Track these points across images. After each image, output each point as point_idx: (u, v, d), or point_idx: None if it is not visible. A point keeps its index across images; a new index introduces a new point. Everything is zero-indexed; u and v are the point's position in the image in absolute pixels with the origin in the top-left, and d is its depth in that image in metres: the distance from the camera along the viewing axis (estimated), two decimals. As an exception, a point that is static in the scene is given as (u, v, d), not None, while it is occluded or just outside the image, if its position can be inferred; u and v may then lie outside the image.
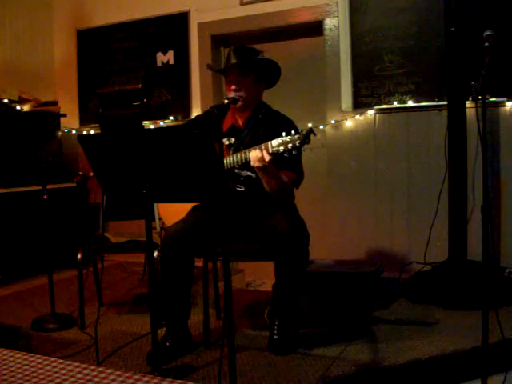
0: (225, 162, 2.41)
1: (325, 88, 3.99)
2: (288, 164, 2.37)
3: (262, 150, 2.22)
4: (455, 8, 3.17)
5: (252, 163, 2.26)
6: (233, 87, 2.48)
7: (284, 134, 2.16)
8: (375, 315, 2.92)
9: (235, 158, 2.39)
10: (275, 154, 2.19)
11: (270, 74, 2.59)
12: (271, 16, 4.08)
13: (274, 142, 2.19)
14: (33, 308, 3.18)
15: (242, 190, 2.56)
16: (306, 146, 2.15)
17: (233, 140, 2.59)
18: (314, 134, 2.15)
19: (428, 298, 3.07)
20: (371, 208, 3.87)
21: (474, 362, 2.31)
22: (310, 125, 3.94)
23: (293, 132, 2.15)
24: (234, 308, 1.88)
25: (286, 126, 2.43)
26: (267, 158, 2.20)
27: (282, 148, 2.16)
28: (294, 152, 2.15)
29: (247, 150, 2.32)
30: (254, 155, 2.23)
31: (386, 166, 3.81)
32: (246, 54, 2.52)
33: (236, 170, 2.53)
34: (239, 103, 2.48)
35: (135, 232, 3.17)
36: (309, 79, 4.20)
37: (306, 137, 2.12)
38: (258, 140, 2.37)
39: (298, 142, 2.13)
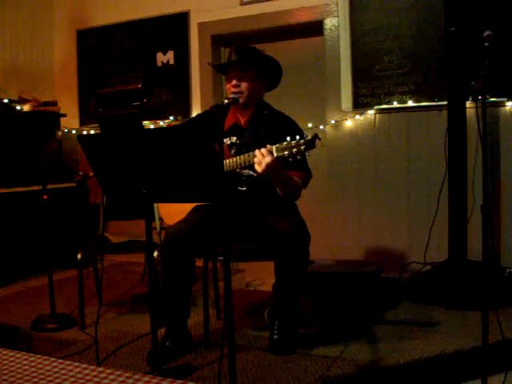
0: (228, 163, 2.41)
1: (325, 88, 3.99)
2: (297, 164, 2.35)
3: (265, 154, 2.20)
4: (455, 8, 3.18)
5: (257, 168, 2.23)
6: (233, 82, 2.47)
7: (289, 138, 2.15)
8: (375, 315, 2.92)
9: (239, 160, 2.38)
10: (280, 158, 2.18)
11: (270, 72, 2.58)
12: (271, 16, 4.08)
13: (279, 147, 2.17)
14: (33, 308, 3.18)
15: (244, 189, 2.55)
16: (311, 150, 2.14)
17: (234, 139, 2.58)
18: (319, 139, 2.13)
19: (428, 298, 3.07)
20: (371, 208, 3.87)
21: (474, 362, 2.31)
22: (310, 125, 3.95)
23: (298, 137, 2.13)
24: (234, 308, 1.87)
25: (290, 128, 2.43)
26: (272, 162, 2.18)
27: (286, 152, 2.14)
28: (298, 157, 2.14)
29: (251, 154, 2.30)
30: (257, 160, 2.22)
31: (386, 166, 3.81)
32: (247, 51, 2.52)
33: (237, 170, 2.53)
34: (240, 100, 2.48)
35: (135, 232, 3.17)
36: (309, 79, 4.20)
37: (312, 142, 2.10)
38: (261, 141, 2.36)
39: (302, 147, 2.11)
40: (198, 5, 4.37)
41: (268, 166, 2.18)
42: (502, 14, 3.37)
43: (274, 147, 2.19)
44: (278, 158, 2.17)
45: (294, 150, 2.13)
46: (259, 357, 2.35)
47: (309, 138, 2.11)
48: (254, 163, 2.26)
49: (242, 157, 2.36)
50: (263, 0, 4.10)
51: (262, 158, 2.20)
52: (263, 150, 2.21)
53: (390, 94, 3.74)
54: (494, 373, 2.25)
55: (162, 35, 4.52)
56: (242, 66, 2.48)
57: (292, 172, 2.38)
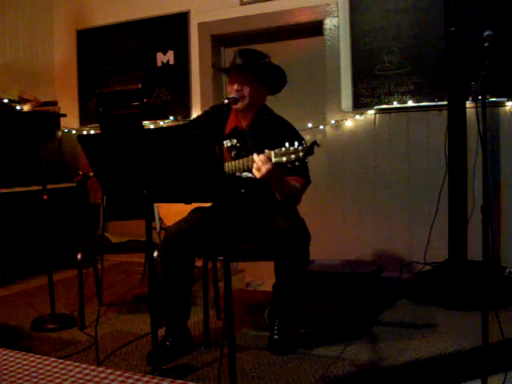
0: (226, 167, 2.41)
1: (325, 88, 3.99)
2: (297, 170, 2.35)
3: (264, 161, 2.19)
4: (455, 8, 3.17)
5: (255, 172, 2.23)
6: (235, 87, 2.48)
7: (287, 144, 2.14)
8: (375, 315, 2.92)
9: (237, 164, 2.37)
10: (278, 164, 2.18)
11: (274, 79, 2.59)
12: (271, 16, 4.08)
13: (277, 152, 2.16)
14: (33, 308, 3.18)
15: (243, 191, 2.56)
16: (309, 157, 2.13)
17: (234, 141, 2.58)
18: (318, 146, 2.12)
19: (428, 298, 3.07)
20: (371, 208, 3.87)
21: (474, 361, 2.31)
22: (310, 125, 3.95)
23: (296, 143, 2.12)
24: (233, 308, 1.88)
25: (290, 134, 2.43)
26: (270, 168, 2.17)
27: (284, 159, 2.13)
28: (296, 163, 2.13)
29: (250, 158, 2.30)
30: (256, 166, 2.21)
31: (385, 165, 3.81)
32: (252, 56, 2.52)
33: (237, 173, 2.52)
34: (239, 104, 2.48)
35: (135, 232, 3.17)
36: (309, 79, 4.20)
37: (310, 149, 2.09)
38: (261, 145, 2.35)
39: (301, 153, 2.10)
40: (198, 5, 4.37)
41: (268, 171, 2.18)
42: (502, 14, 3.37)
43: (272, 153, 2.18)
44: (276, 164, 2.17)
45: (293, 156, 2.12)
46: (259, 357, 2.35)
47: (307, 144, 2.11)
48: (252, 168, 2.25)
49: (240, 161, 2.36)
50: (263, 0, 4.10)
51: (260, 164, 2.19)
52: (261, 156, 2.19)
53: (390, 94, 3.74)
54: (494, 373, 2.25)
55: (162, 35, 4.51)
56: (244, 72, 2.48)
57: (291, 177, 2.38)
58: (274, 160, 2.16)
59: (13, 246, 3.92)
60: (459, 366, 2.35)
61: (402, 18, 3.68)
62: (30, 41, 4.80)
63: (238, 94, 2.47)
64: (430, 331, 2.62)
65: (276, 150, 2.17)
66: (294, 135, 2.39)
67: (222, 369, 1.90)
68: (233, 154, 2.55)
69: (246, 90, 2.48)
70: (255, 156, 2.22)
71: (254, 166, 2.22)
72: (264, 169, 2.18)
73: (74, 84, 4.95)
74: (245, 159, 2.34)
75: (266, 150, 2.20)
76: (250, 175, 2.49)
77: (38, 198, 2.95)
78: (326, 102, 3.98)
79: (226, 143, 2.59)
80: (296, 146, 2.11)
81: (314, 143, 2.10)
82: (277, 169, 2.19)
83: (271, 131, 2.51)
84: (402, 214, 3.78)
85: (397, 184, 3.79)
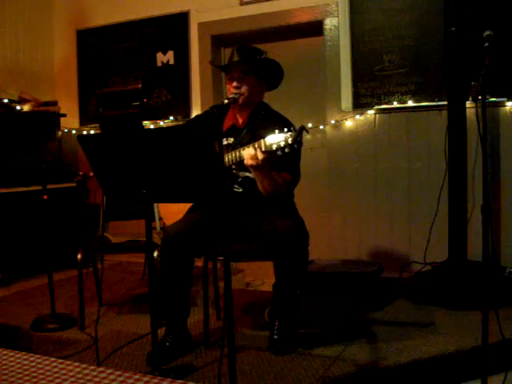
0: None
1: (325, 88, 3.99)
2: (285, 165, 2.37)
3: (255, 148, 2.22)
4: (455, 8, 3.18)
5: (245, 161, 2.26)
6: (234, 84, 2.49)
7: (277, 131, 2.17)
8: (375, 315, 2.92)
9: (230, 156, 2.40)
10: (268, 152, 2.19)
11: (271, 74, 2.60)
12: (271, 16, 4.08)
13: (267, 140, 2.19)
14: (33, 308, 3.18)
15: (240, 190, 2.56)
16: (299, 144, 2.15)
17: (231, 140, 2.59)
18: (307, 132, 2.16)
19: (428, 298, 3.07)
20: (371, 208, 3.87)
21: (474, 362, 2.31)
22: (310, 125, 3.95)
23: (285, 130, 2.15)
24: (234, 308, 1.88)
25: (282, 125, 2.44)
26: (260, 156, 2.21)
27: (274, 146, 2.16)
28: (286, 150, 2.15)
29: (241, 148, 2.32)
30: (247, 153, 2.24)
31: (385, 165, 3.81)
32: (250, 53, 2.53)
33: (234, 171, 2.53)
34: (239, 101, 2.49)
35: (135, 232, 3.17)
36: (309, 79, 4.20)
37: (299, 134, 2.13)
38: (256, 140, 2.37)
39: (290, 139, 2.13)
40: (198, 5, 4.37)
41: (257, 159, 2.21)
42: (502, 14, 3.37)
43: (262, 141, 2.21)
44: (266, 151, 2.19)
45: (282, 143, 2.15)
46: (259, 357, 2.35)
47: (296, 130, 2.13)
48: (243, 158, 2.28)
49: (232, 152, 2.40)
50: (263, 0, 4.10)
51: (250, 152, 2.22)
52: (252, 144, 2.24)
53: (390, 94, 3.74)
54: (494, 373, 2.25)
55: (162, 35, 4.51)
56: (242, 68, 2.49)
57: (280, 173, 2.39)
58: (264, 148, 2.20)
59: (13, 246, 3.92)
60: (459, 366, 2.35)
61: (401, 18, 3.68)
62: (30, 41, 4.80)
63: (237, 91, 2.47)
64: (430, 331, 2.62)
65: (266, 138, 2.20)
66: (285, 125, 2.41)
67: (221, 369, 1.90)
68: (229, 151, 2.56)
69: (245, 87, 2.49)
70: (246, 149, 2.26)
71: (245, 153, 2.24)
72: (255, 155, 2.21)
73: (74, 84, 4.95)
74: (236, 150, 2.38)
75: (261, 140, 2.22)
76: (247, 174, 2.50)
77: (38, 198, 2.95)
78: (326, 102, 3.98)
79: (223, 142, 2.59)
80: (285, 132, 2.14)
81: (302, 128, 2.13)
82: (266, 156, 2.21)
83: (266, 126, 2.51)
84: (402, 213, 3.78)
85: (397, 184, 3.78)
